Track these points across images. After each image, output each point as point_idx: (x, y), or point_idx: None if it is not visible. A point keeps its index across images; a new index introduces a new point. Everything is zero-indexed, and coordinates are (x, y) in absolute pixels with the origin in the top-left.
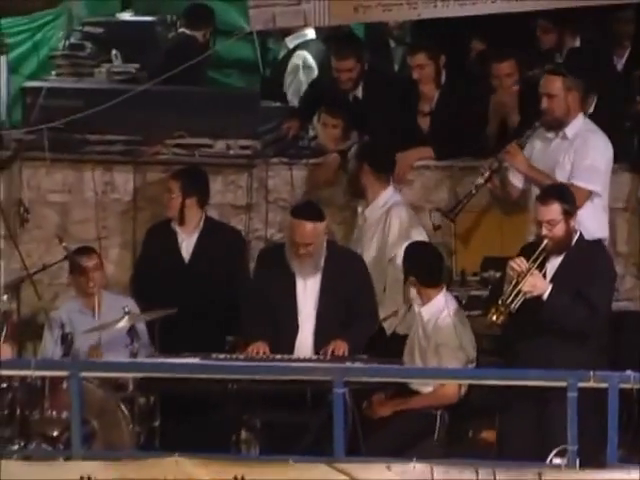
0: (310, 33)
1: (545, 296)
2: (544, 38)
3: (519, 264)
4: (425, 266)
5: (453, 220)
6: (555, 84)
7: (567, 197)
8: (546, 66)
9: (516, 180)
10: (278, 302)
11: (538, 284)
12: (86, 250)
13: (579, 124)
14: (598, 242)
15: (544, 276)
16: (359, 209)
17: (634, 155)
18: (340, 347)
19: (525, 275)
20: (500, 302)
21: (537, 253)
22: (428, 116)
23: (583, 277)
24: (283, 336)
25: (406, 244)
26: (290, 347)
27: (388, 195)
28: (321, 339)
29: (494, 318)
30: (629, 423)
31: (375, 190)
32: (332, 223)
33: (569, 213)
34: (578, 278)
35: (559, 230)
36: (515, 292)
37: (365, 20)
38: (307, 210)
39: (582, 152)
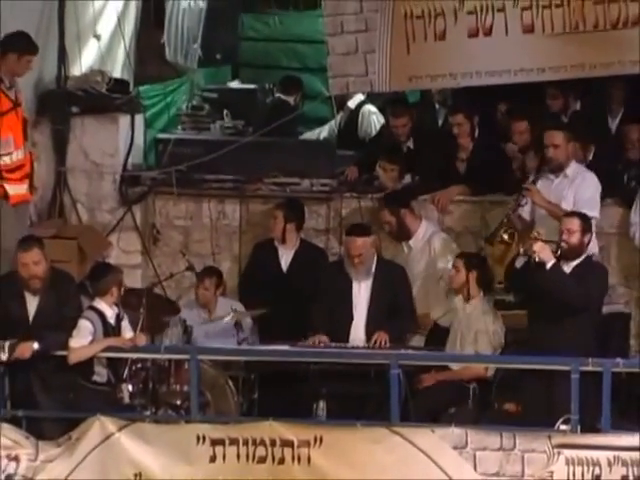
0: (360, 97)
1: (548, 265)
2: (552, 103)
3: (539, 233)
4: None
5: (492, 243)
6: (558, 137)
7: (586, 219)
8: (548, 123)
9: (524, 213)
10: (338, 300)
11: (545, 251)
12: (210, 271)
13: (575, 166)
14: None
15: None
16: (403, 243)
17: (623, 192)
18: (382, 337)
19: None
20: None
21: (555, 248)
22: (464, 162)
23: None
24: (340, 326)
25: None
26: (346, 335)
27: (424, 227)
28: (371, 330)
29: (505, 236)
30: (620, 399)
31: (415, 226)
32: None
33: (585, 230)
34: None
35: (574, 238)
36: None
37: (417, 87)
38: (357, 229)
39: (583, 187)
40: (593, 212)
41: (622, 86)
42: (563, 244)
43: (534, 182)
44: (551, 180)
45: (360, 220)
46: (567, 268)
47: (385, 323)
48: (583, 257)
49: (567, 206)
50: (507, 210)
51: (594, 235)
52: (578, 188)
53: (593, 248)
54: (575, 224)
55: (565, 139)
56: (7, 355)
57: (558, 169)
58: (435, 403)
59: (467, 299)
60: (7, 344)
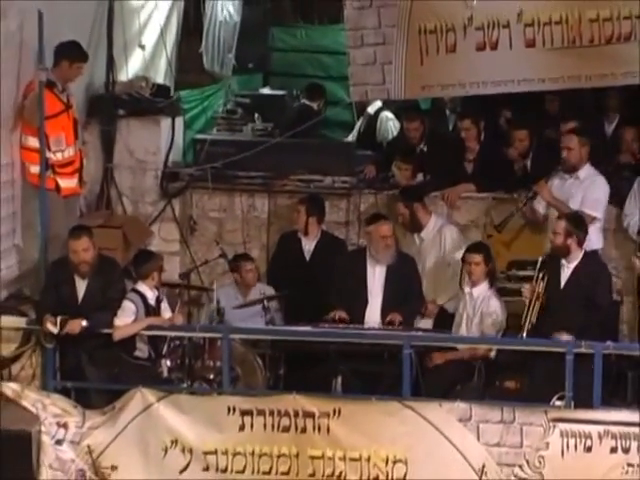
0: (379, 104)
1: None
2: (551, 106)
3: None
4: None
5: (500, 231)
6: (573, 140)
7: (575, 222)
8: (565, 126)
9: (540, 208)
10: (355, 284)
11: None
12: (246, 256)
13: (587, 169)
14: (595, 252)
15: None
16: (415, 235)
17: (616, 193)
18: (396, 318)
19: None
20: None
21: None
22: (471, 162)
23: (589, 281)
24: (356, 309)
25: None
26: (361, 316)
27: (434, 220)
28: (385, 311)
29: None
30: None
31: (426, 219)
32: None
33: (570, 233)
34: (585, 282)
35: (558, 240)
36: None
37: (429, 95)
38: (380, 216)
39: (591, 189)
40: (596, 213)
41: (617, 95)
42: (549, 244)
43: (547, 180)
44: (565, 179)
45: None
46: (568, 270)
47: (398, 307)
48: (582, 256)
49: (574, 205)
50: (519, 202)
51: (599, 232)
52: (587, 189)
53: (597, 244)
54: (560, 227)
55: (579, 143)
56: (58, 329)
57: (572, 170)
58: (444, 381)
59: (474, 285)
60: (59, 319)
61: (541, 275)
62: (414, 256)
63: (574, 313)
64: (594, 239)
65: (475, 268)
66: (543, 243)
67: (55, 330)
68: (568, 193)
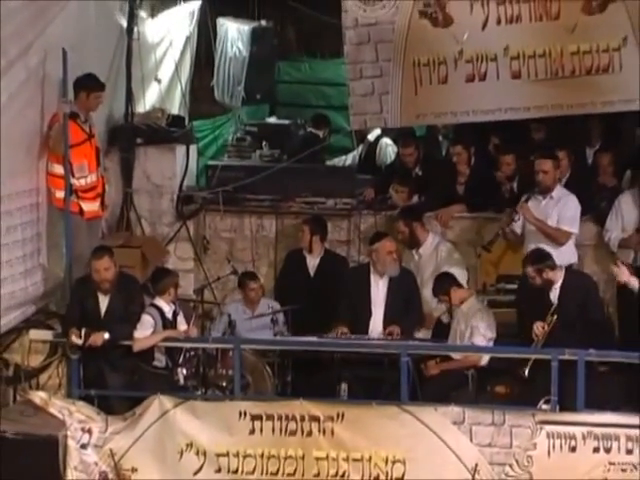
0: (378, 131)
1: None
2: (536, 135)
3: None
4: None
5: (489, 251)
6: (547, 164)
7: (540, 259)
8: (539, 152)
9: (517, 228)
10: (359, 298)
11: (626, 275)
12: (252, 275)
13: (559, 189)
14: (577, 268)
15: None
16: (413, 251)
17: (597, 211)
18: (395, 330)
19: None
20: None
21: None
22: (463, 185)
23: (580, 297)
24: (361, 320)
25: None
26: (365, 327)
27: (431, 238)
28: (387, 323)
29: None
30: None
31: (424, 236)
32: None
33: (540, 270)
34: (576, 297)
35: (537, 280)
36: None
37: (423, 123)
38: (383, 234)
39: (565, 208)
40: (572, 229)
41: (599, 123)
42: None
43: (526, 201)
44: (539, 200)
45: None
46: (555, 290)
47: (399, 318)
48: (564, 273)
49: (552, 223)
50: (502, 224)
51: (573, 247)
52: (562, 208)
53: (573, 257)
54: (531, 271)
55: (553, 166)
56: (82, 341)
57: (547, 191)
58: (440, 387)
59: (462, 302)
60: (83, 331)
61: (551, 317)
62: (412, 270)
63: (571, 330)
64: (570, 253)
65: (458, 293)
66: (520, 258)
67: (80, 342)
68: (545, 213)
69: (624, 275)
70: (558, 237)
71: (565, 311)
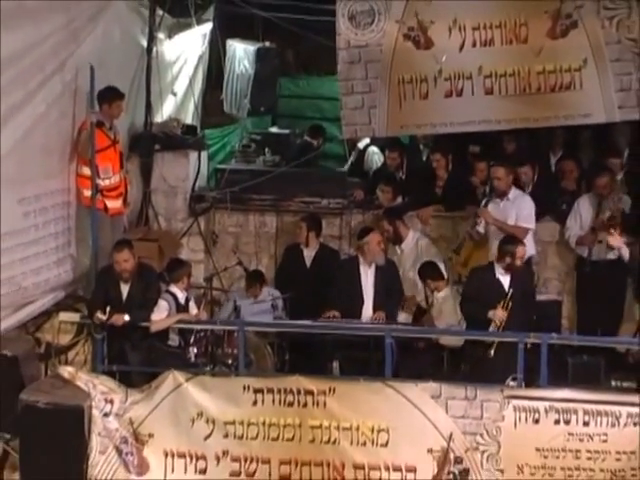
0: (367, 140)
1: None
2: (508, 146)
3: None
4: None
5: (458, 253)
6: (500, 171)
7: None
8: (492, 162)
9: (480, 229)
10: (352, 286)
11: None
12: (258, 273)
13: (514, 191)
14: (529, 258)
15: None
16: (396, 246)
17: (559, 212)
18: (380, 316)
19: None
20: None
21: None
22: (441, 188)
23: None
24: (354, 306)
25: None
26: (359, 313)
27: (412, 234)
28: (376, 308)
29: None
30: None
31: (406, 233)
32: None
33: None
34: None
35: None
36: None
37: (406, 133)
38: (370, 229)
39: (521, 207)
40: (530, 225)
41: (562, 133)
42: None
43: (486, 205)
44: (498, 203)
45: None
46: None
47: (384, 304)
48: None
49: (511, 222)
50: (467, 228)
51: (532, 241)
52: (518, 208)
53: (531, 250)
54: (521, 252)
55: (506, 173)
56: (106, 317)
57: (502, 195)
58: (419, 365)
59: (438, 291)
60: (107, 309)
61: (506, 305)
62: (395, 263)
63: (521, 311)
64: (529, 247)
65: (439, 284)
66: (487, 256)
67: (104, 318)
68: (504, 213)
69: (617, 241)
70: (517, 234)
71: (515, 297)
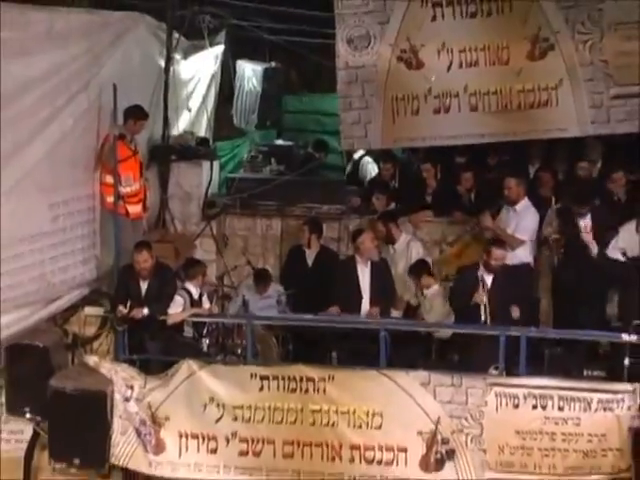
0: (361, 152)
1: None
2: (491, 160)
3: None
4: (428, 270)
5: (452, 246)
6: (511, 182)
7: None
8: (506, 172)
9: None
10: (350, 283)
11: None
12: (264, 272)
13: (523, 203)
14: (525, 264)
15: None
16: (389, 246)
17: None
18: (374, 311)
19: None
20: None
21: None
22: (431, 195)
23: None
24: (353, 302)
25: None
26: (358, 308)
27: (404, 236)
28: (372, 303)
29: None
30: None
31: (398, 235)
32: None
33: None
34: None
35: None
36: None
37: (400, 146)
38: (362, 230)
39: (524, 219)
40: (524, 237)
41: (541, 145)
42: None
43: (498, 210)
44: (508, 210)
45: None
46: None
47: (379, 299)
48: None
49: (509, 230)
50: (467, 227)
51: (529, 250)
52: (520, 219)
53: (527, 258)
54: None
55: (516, 183)
56: (127, 311)
57: (512, 203)
58: (410, 355)
59: (428, 287)
60: (128, 303)
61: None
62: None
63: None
64: (525, 255)
65: (428, 281)
66: (479, 252)
67: (125, 311)
68: (507, 221)
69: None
70: (510, 242)
71: (497, 294)
